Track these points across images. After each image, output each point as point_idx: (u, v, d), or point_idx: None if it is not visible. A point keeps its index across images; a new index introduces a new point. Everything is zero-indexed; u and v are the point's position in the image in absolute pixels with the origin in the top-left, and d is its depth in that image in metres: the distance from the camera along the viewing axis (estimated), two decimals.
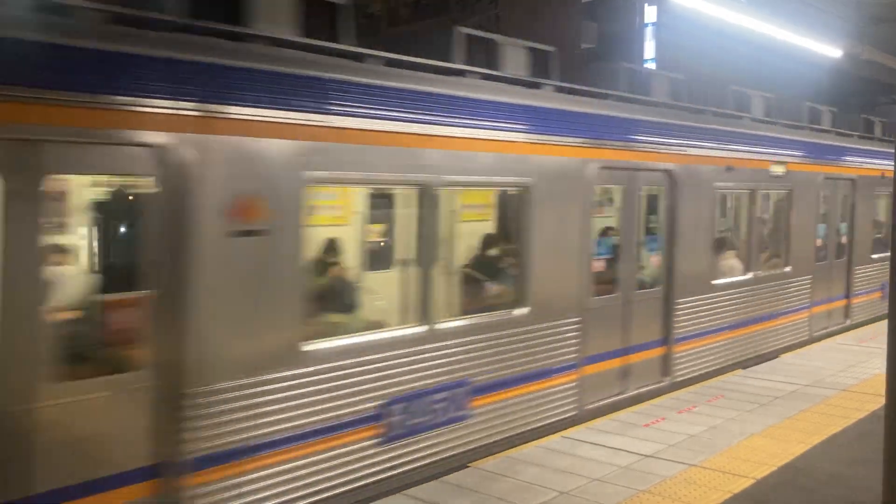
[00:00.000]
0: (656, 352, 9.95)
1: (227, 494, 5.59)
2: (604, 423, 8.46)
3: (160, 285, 5.29)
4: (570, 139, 8.49)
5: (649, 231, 10.23)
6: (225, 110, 5.49)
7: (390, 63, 6.85)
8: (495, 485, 6.71)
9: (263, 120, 5.69)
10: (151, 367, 5.27)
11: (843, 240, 14.71)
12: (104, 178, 5.83)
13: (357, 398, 6.41)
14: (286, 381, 5.92)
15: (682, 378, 10.24)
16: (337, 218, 8.60)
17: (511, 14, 17.98)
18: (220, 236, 5.51)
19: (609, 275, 9.35)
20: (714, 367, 10.91)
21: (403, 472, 6.77)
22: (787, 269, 12.69)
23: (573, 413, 8.57)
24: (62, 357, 4.90)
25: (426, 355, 6.96)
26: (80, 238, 6.23)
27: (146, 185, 5.32)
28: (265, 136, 5.71)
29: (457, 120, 7.18)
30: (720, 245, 11.36)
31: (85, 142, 4.90)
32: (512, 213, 8.64)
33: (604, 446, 7.71)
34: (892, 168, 15.18)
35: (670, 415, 8.80)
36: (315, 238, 6.83)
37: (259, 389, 5.76)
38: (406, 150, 6.72)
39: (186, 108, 5.29)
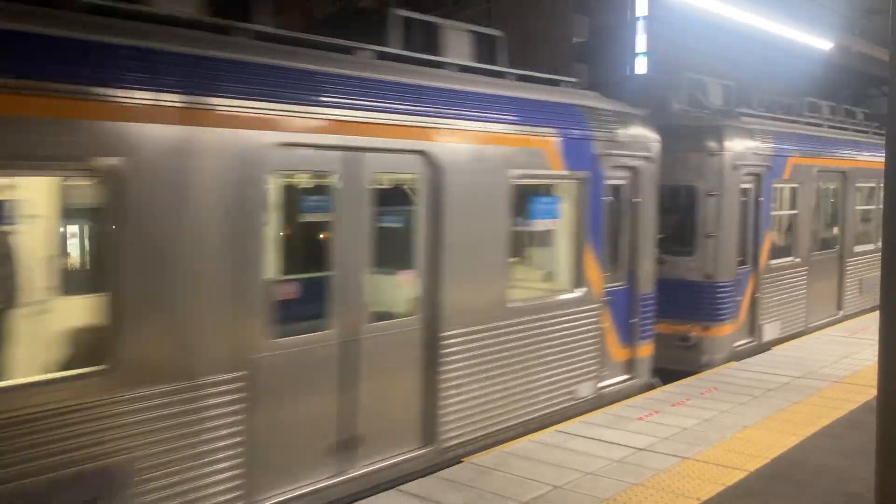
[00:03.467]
0: None
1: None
2: (597, 417, 8.47)
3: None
4: None
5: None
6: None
7: None
8: (489, 479, 6.71)
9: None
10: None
11: None
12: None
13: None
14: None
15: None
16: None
17: (503, 8, 17.94)
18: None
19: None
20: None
21: None
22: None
23: None
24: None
25: None
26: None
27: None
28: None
29: None
30: None
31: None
32: None
33: (597, 440, 7.72)
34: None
35: (664, 408, 8.82)
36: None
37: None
38: None
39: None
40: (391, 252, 6.84)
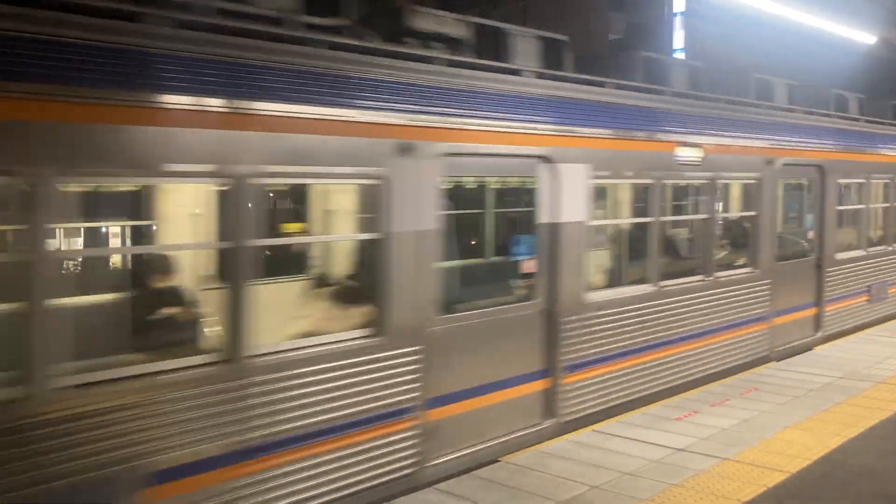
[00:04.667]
0: None
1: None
2: (634, 417, 8.42)
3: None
4: None
5: None
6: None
7: None
8: (526, 479, 6.71)
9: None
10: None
11: None
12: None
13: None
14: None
15: None
16: None
17: (538, 6, 17.89)
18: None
19: None
20: None
21: None
22: None
23: None
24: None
25: None
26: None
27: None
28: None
29: None
30: None
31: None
32: None
33: (635, 440, 7.68)
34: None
35: (703, 408, 8.73)
36: None
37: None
38: None
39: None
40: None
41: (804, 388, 9.54)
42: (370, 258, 6.28)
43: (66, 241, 7.13)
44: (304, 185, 7.74)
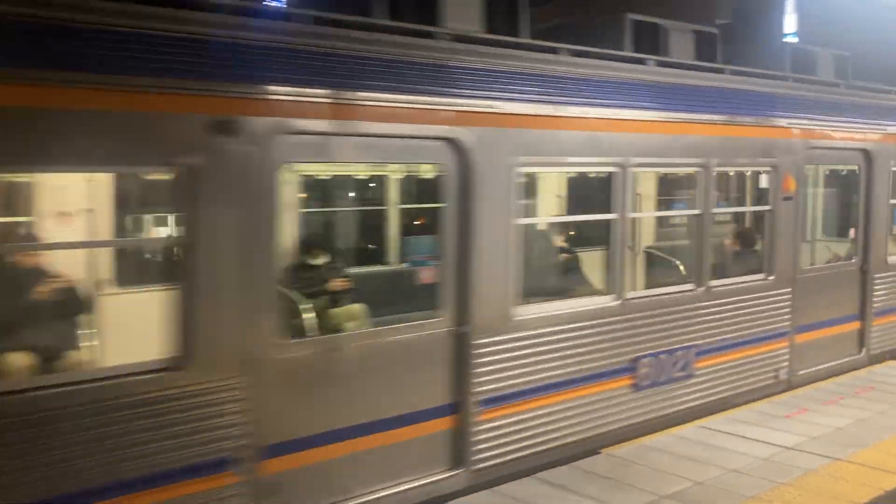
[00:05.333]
0: None
1: None
2: (741, 414, 8.19)
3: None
4: None
5: None
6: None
7: None
8: (627, 471, 6.63)
9: None
10: None
11: None
12: None
13: None
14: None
15: None
16: None
17: None
18: None
19: None
20: None
21: None
22: None
23: None
24: None
25: None
26: None
27: None
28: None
29: None
30: None
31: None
32: None
33: (741, 437, 7.47)
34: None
35: (814, 406, 8.41)
36: None
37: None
38: None
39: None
40: None
41: None
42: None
43: None
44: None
